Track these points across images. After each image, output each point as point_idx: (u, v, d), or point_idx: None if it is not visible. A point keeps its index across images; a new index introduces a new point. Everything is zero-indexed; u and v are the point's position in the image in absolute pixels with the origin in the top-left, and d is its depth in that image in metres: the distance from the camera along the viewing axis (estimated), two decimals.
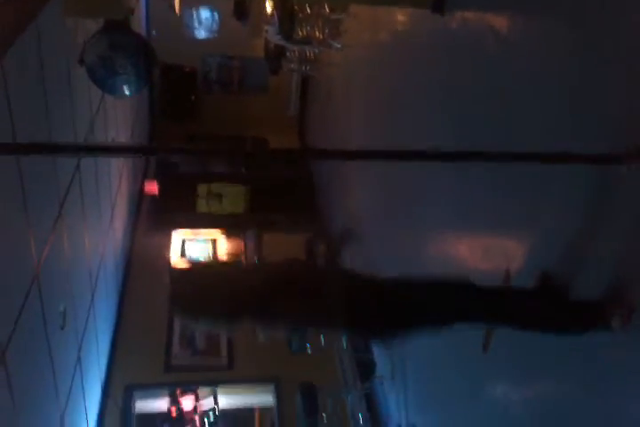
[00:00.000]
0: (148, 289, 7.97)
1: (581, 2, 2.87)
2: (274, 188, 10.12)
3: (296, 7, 7.05)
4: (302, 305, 2.56)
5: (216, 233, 9.15)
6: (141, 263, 8.44)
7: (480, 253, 4.05)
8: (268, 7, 8.87)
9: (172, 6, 10.42)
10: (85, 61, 4.44)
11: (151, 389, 7.15)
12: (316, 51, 8.51)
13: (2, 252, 3.33)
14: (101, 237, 6.39)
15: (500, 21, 3.78)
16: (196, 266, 3.10)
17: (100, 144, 5.34)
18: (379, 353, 6.49)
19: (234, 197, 10.77)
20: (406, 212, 5.60)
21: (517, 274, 3.41)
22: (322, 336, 6.53)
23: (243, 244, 8.91)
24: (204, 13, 11.44)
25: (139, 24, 9.15)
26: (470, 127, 4.13)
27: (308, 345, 6.39)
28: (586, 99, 2.83)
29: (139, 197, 9.76)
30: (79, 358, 5.22)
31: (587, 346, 2.75)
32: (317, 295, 2.56)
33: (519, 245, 3.46)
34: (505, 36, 3.67)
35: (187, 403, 7.08)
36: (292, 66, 9.59)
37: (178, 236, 8.85)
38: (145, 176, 10.29)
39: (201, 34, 11.57)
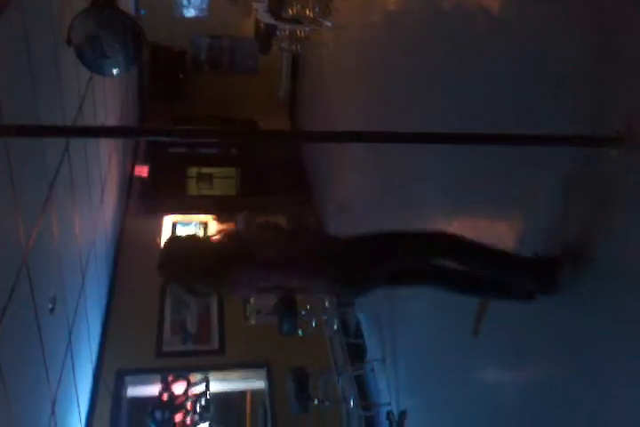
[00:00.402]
0: (139, 273, 7.93)
1: None
2: (264, 169, 10.06)
3: None
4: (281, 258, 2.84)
5: (207, 217, 9.09)
6: (132, 247, 8.38)
7: (471, 237, 4.03)
8: None
9: None
10: (73, 41, 4.35)
11: (143, 374, 7.13)
12: (307, 30, 8.41)
13: None
14: (91, 219, 6.33)
15: (491, 1, 3.72)
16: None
17: (89, 127, 5.26)
18: (369, 337, 6.49)
19: (225, 179, 10.72)
20: (397, 193, 5.57)
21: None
22: (313, 321, 6.52)
23: (234, 227, 8.84)
24: None
25: (127, 3, 8.99)
26: (461, 107, 4.09)
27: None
28: (578, 80, 2.79)
29: (129, 180, 9.67)
30: (70, 343, 5.19)
31: (576, 331, 2.75)
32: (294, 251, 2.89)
33: (511, 229, 3.44)
34: (496, 16, 3.62)
35: (178, 388, 7.08)
36: (283, 45, 9.49)
37: (169, 219, 8.78)
38: (135, 158, 10.19)
39: (190, 13, 11.41)
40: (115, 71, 4.58)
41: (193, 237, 3.07)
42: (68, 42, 4.37)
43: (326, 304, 6.85)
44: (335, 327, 6.83)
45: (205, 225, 8.88)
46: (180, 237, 3.12)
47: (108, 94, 7.26)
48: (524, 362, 3.31)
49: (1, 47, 3.29)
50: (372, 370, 6.29)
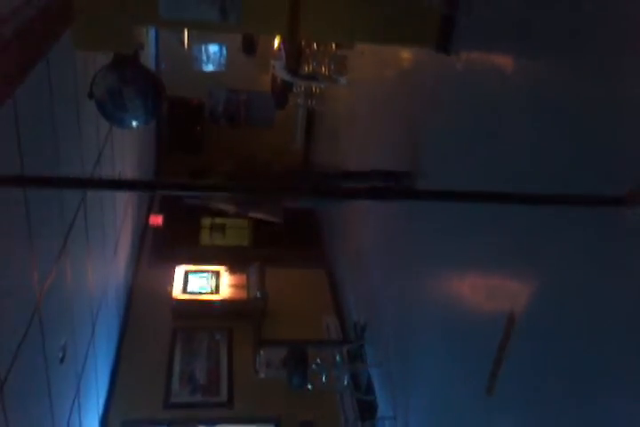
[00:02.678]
0: (149, 323, 7.94)
1: (588, 44, 2.89)
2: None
3: (303, 43, 7.15)
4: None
5: (219, 267, 9.11)
6: (143, 297, 8.39)
7: (483, 293, 4.01)
8: (276, 43, 9.01)
9: (182, 41, 10.58)
10: (94, 95, 4.47)
11: (148, 425, 7.02)
12: (322, 86, 8.61)
13: (4, 283, 3.30)
14: (104, 269, 6.36)
15: (504, 61, 3.80)
16: None
17: (107, 179, 5.35)
18: (381, 393, 6.39)
19: (237, 230, 10.78)
20: (408, 248, 5.57)
21: (522, 315, 3.36)
22: (323, 375, 6.43)
23: (246, 278, 8.86)
24: (213, 48, 11.59)
25: (148, 58, 9.26)
26: (472, 166, 4.13)
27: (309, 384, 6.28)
28: (590, 141, 2.82)
29: (143, 230, 9.75)
30: (78, 393, 5.15)
31: (594, 391, 2.70)
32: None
33: (523, 287, 3.41)
34: (509, 76, 3.69)
35: None
36: (298, 100, 9.69)
37: (180, 269, 8.80)
38: (150, 208, 10.29)
39: (209, 67, 11.71)
40: (134, 124, 4.68)
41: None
42: (90, 95, 4.48)
43: (337, 358, 6.78)
44: (346, 383, 6.74)
45: (217, 275, 8.88)
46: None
47: (126, 146, 7.40)
48: (539, 424, 3.24)
49: (27, 103, 3.39)
50: None
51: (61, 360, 4.46)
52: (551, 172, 3.12)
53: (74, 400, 5.03)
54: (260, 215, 5.93)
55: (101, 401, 6.49)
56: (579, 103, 2.95)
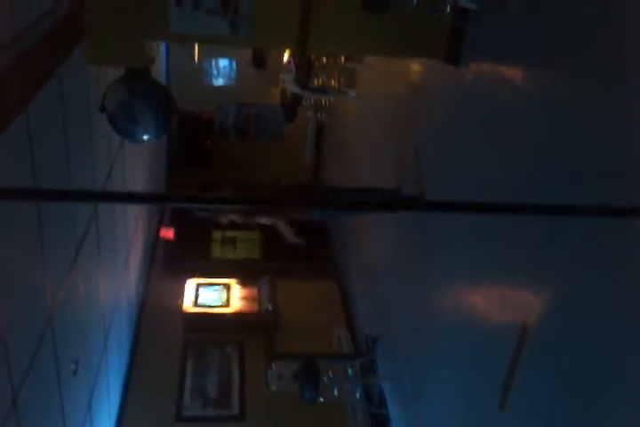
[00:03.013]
0: (160, 336, 7.93)
1: (597, 57, 2.90)
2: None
3: (312, 56, 7.19)
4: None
5: (230, 280, 9.13)
6: (155, 309, 8.40)
7: (495, 306, 3.99)
8: (285, 56, 9.06)
9: (192, 55, 10.66)
10: (106, 108, 4.50)
11: None
12: (332, 99, 8.64)
13: (17, 295, 3.31)
14: (116, 282, 6.37)
15: (513, 74, 3.81)
16: None
17: (119, 192, 5.38)
18: (393, 406, 6.35)
19: (248, 243, 10.78)
20: (419, 260, 5.56)
21: (534, 328, 3.34)
22: (335, 388, 6.39)
23: (257, 291, 8.87)
24: (223, 62, 11.67)
25: (159, 72, 9.32)
26: (482, 178, 4.12)
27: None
28: (599, 151, 2.82)
29: (154, 242, 9.78)
30: (90, 406, 5.14)
31: (609, 406, 2.68)
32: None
33: (535, 298, 3.40)
34: (518, 89, 3.69)
35: None
36: (308, 113, 9.73)
37: (191, 282, 8.82)
38: (161, 221, 10.33)
39: (219, 81, 11.78)
40: (145, 138, 4.70)
41: None
42: (102, 109, 4.51)
43: (349, 372, 6.75)
44: (358, 396, 6.70)
45: (228, 288, 8.88)
46: None
47: (136, 160, 7.45)
48: None
49: (39, 117, 3.42)
50: None
51: (74, 373, 4.47)
52: (561, 182, 3.12)
53: (86, 413, 5.03)
54: (265, 221, 6.20)
55: (113, 414, 6.48)
56: (588, 115, 2.95)
